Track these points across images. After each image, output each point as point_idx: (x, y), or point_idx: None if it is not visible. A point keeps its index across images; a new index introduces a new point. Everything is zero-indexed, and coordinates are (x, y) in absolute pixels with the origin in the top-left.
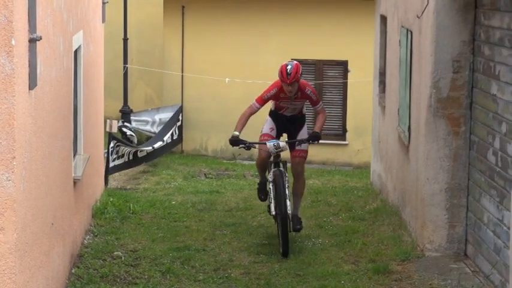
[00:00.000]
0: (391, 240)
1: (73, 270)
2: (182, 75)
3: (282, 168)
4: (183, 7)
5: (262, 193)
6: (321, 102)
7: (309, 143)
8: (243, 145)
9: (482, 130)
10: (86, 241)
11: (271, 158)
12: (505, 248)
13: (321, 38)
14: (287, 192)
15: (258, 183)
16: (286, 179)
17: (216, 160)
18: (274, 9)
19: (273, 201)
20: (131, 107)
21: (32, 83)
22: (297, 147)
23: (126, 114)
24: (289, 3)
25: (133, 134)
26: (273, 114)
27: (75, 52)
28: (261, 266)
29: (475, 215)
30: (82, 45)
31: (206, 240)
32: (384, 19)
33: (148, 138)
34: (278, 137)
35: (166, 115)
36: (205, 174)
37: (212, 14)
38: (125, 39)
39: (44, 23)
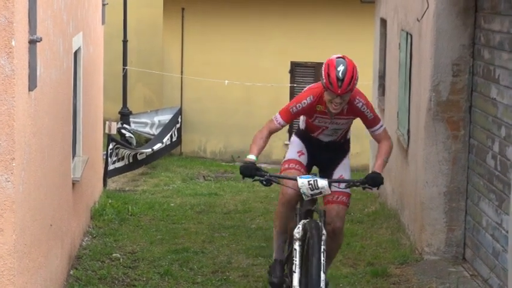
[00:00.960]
0: (389, 243)
1: (71, 272)
2: (181, 77)
3: (318, 222)
4: (182, 9)
5: (276, 274)
6: (381, 122)
7: (363, 189)
8: (259, 178)
9: (481, 134)
10: (84, 243)
11: (302, 203)
12: (503, 252)
13: (321, 41)
14: (323, 259)
15: (272, 263)
16: (324, 237)
17: (215, 162)
18: (274, 11)
19: (297, 270)
20: (130, 109)
21: (32, 84)
22: (334, 188)
23: (125, 116)
24: (288, 6)
25: (133, 136)
26: (301, 134)
27: (75, 54)
28: (259, 269)
29: (474, 218)
30: (82, 47)
31: (205, 243)
32: (383, 22)
33: (148, 140)
34: (310, 167)
35: (165, 117)
36: (204, 176)
37: (212, 16)
38: (125, 41)
39: (44, 24)
